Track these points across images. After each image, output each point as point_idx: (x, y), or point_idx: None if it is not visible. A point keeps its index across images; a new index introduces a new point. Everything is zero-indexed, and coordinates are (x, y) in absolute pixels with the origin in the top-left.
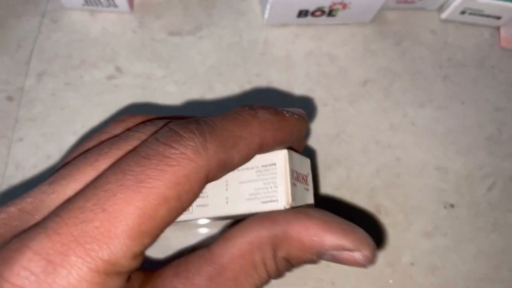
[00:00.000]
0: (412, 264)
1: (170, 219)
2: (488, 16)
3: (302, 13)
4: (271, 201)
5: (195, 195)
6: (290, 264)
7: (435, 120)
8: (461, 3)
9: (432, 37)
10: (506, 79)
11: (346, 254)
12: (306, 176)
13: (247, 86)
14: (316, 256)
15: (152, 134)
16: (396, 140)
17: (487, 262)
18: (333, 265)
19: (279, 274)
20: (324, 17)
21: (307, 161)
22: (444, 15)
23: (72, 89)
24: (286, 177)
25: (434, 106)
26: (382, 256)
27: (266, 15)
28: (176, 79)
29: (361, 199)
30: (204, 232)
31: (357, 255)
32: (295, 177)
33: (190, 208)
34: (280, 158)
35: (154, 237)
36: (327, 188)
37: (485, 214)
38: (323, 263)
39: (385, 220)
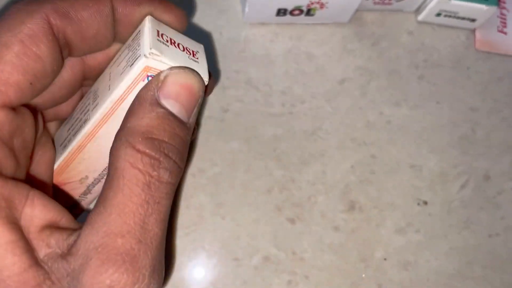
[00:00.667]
0: (385, 259)
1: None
2: (463, 18)
3: (281, 12)
4: (136, 59)
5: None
6: None
7: (410, 118)
8: (436, 5)
9: (409, 38)
10: (481, 80)
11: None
12: (194, 51)
13: (226, 82)
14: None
15: None
16: (372, 137)
17: (459, 258)
18: (307, 258)
19: None
20: (302, 16)
21: (199, 45)
22: (420, 17)
23: None
24: (148, 33)
25: (409, 105)
26: (356, 250)
27: (245, 13)
28: None
29: (336, 194)
30: None
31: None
32: (165, 40)
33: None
34: (143, 23)
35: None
36: (303, 183)
37: (458, 212)
38: (297, 256)
39: (359, 215)
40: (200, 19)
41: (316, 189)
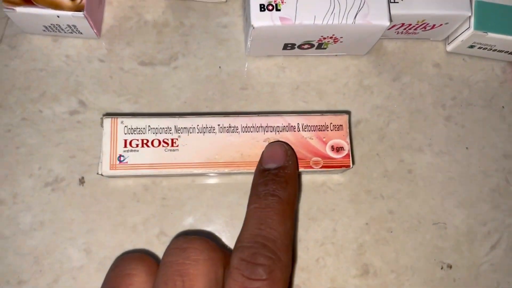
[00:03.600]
0: None
1: None
2: (500, 51)
3: (288, 46)
4: None
5: None
6: None
7: (435, 167)
8: (469, 37)
9: (435, 71)
10: None
11: None
12: None
13: None
14: None
15: None
16: (390, 189)
17: None
18: None
19: None
20: (313, 50)
21: None
22: (450, 47)
23: (30, 125)
24: None
25: (434, 151)
26: None
27: (248, 48)
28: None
29: (347, 256)
30: None
31: None
32: None
33: None
34: None
35: None
36: (310, 243)
37: (487, 277)
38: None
39: (374, 281)
40: (197, 50)
41: (325, 250)
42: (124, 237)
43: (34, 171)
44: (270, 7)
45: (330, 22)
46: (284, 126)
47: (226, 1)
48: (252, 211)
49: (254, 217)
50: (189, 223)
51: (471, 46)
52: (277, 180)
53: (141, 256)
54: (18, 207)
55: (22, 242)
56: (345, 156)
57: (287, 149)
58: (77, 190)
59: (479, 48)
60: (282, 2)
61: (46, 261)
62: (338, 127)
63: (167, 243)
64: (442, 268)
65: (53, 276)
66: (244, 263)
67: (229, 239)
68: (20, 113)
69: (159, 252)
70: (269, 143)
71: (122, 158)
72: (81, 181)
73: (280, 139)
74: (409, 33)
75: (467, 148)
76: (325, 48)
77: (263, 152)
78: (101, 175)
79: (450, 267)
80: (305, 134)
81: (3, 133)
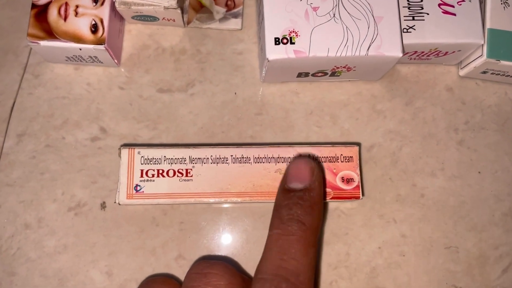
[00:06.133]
0: None
1: None
2: None
3: (302, 74)
4: None
5: None
6: None
7: (447, 191)
8: (482, 64)
9: (448, 95)
10: None
11: None
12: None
13: None
14: None
15: None
16: (402, 214)
17: None
18: None
19: None
20: (326, 77)
21: None
22: (462, 72)
23: (53, 152)
24: None
25: (446, 175)
26: None
27: (262, 76)
28: (164, 141)
29: (360, 280)
30: None
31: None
32: None
33: None
34: None
35: None
36: (324, 266)
37: None
38: None
39: None
40: (213, 77)
41: (338, 273)
42: (143, 260)
43: (57, 196)
44: (285, 41)
45: (343, 54)
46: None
47: (242, 29)
48: (274, 237)
49: (276, 245)
50: (206, 246)
51: (484, 72)
52: (302, 204)
53: (165, 279)
54: (43, 231)
55: (47, 265)
56: (355, 187)
57: (314, 167)
58: (98, 214)
59: (492, 73)
60: (297, 35)
61: (70, 283)
62: (349, 159)
63: (185, 266)
64: None
65: None
66: None
67: (245, 263)
68: (44, 140)
69: (178, 275)
70: (295, 158)
71: (138, 188)
72: (103, 205)
73: None
74: (422, 59)
75: (479, 172)
76: (338, 75)
77: (287, 168)
78: (119, 204)
79: None
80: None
81: (28, 159)
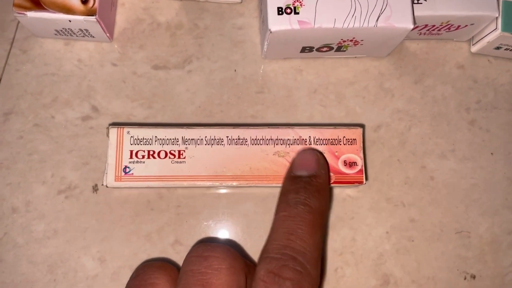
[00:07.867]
0: None
1: None
2: None
3: (306, 49)
4: None
5: None
6: None
7: (458, 173)
8: (496, 39)
9: (459, 73)
10: None
11: None
12: None
13: None
14: None
15: None
16: (411, 197)
17: None
18: None
19: None
20: (332, 52)
21: None
22: (474, 48)
23: (42, 131)
24: None
25: (457, 157)
26: None
27: (264, 51)
28: (159, 120)
29: (367, 266)
30: None
31: None
32: None
33: None
34: None
35: None
36: (329, 252)
37: None
38: None
39: None
40: (211, 53)
41: (344, 260)
42: (138, 246)
43: (47, 178)
44: (288, 10)
45: (351, 25)
46: (295, 139)
47: (242, 2)
48: (281, 219)
49: (283, 226)
50: (204, 231)
51: (498, 48)
52: (309, 189)
53: (163, 264)
54: (31, 215)
55: (35, 251)
56: (358, 171)
57: (319, 158)
58: (90, 197)
59: (506, 49)
60: (301, 4)
61: (60, 270)
62: (352, 141)
63: (182, 252)
64: (465, 279)
65: (67, 285)
66: (271, 276)
67: (247, 248)
68: (32, 119)
69: (174, 261)
70: (301, 150)
71: (127, 170)
72: (95, 188)
73: (291, 152)
74: (432, 34)
75: (492, 153)
76: (344, 51)
77: (294, 158)
78: (106, 186)
79: (474, 277)
80: (317, 148)
81: (16, 139)
